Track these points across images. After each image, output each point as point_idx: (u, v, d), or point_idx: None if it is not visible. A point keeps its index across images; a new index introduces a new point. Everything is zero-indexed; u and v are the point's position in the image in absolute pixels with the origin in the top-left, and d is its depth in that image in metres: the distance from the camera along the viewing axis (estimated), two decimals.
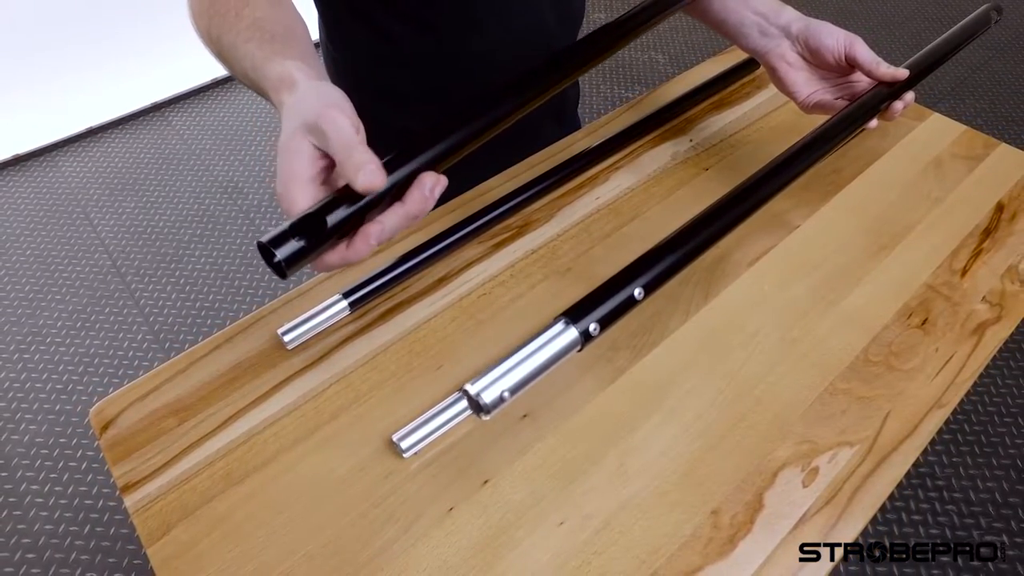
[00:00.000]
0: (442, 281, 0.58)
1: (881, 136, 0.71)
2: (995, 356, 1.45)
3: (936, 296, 0.56)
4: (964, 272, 0.58)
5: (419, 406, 0.49)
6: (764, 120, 0.73)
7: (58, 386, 1.42)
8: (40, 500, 1.25)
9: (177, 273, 1.66)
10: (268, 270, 1.67)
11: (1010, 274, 0.57)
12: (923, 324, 0.54)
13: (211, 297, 1.61)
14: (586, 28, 0.56)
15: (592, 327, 0.42)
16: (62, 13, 1.90)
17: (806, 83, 0.60)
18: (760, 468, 0.46)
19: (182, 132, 2.09)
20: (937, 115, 0.73)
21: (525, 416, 0.49)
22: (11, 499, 1.25)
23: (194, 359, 0.54)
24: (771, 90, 0.77)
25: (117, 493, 1.25)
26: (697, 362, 0.52)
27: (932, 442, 1.28)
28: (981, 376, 1.39)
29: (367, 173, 0.34)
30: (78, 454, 1.31)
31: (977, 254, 0.59)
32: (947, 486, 1.22)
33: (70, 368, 1.45)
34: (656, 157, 0.69)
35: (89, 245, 1.72)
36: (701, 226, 0.48)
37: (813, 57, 0.59)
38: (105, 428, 0.50)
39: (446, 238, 0.59)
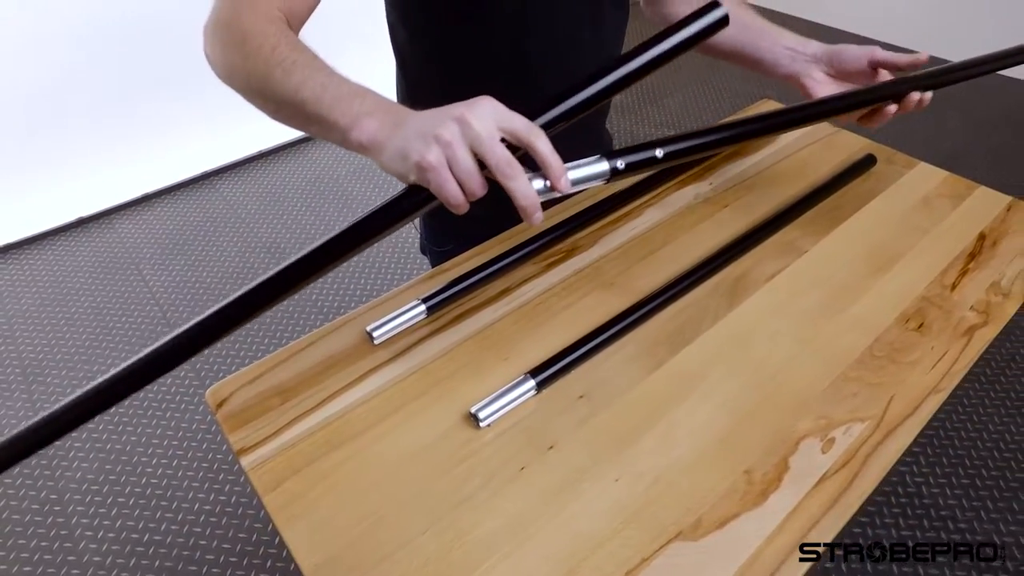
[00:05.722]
0: (504, 292, 0.68)
1: (876, 180, 0.82)
2: (1015, 371, 1.51)
3: (930, 306, 0.65)
4: (954, 287, 0.67)
5: (491, 388, 0.57)
6: (775, 166, 0.84)
7: (109, 426, 1.50)
8: (89, 533, 1.30)
9: None
10: (308, 323, 1.78)
11: (994, 288, 0.66)
12: (919, 328, 0.63)
13: (253, 347, 1.70)
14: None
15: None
16: (123, 91, 2.11)
17: (833, 92, 0.72)
18: (784, 438, 0.54)
19: (228, 197, 2.26)
20: (924, 164, 0.84)
21: (581, 397, 0.57)
22: (63, 531, 1.30)
23: (294, 352, 0.63)
24: (781, 142, 0.89)
25: (163, 527, 1.31)
26: (726, 355, 0.60)
27: (944, 469, 1.32)
28: (998, 392, 1.46)
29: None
30: (126, 490, 1.37)
31: (964, 273, 0.68)
32: (957, 505, 1.26)
33: (120, 410, 1.53)
34: (681, 196, 0.80)
35: (141, 298, 1.84)
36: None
37: (839, 73, 0.73)
38: (220, 405, 0.59)
39: (506, 258, 0.69)
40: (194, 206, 2.22)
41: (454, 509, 0.50)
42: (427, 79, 0.78)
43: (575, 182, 0.52)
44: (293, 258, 0.52)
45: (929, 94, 0.69)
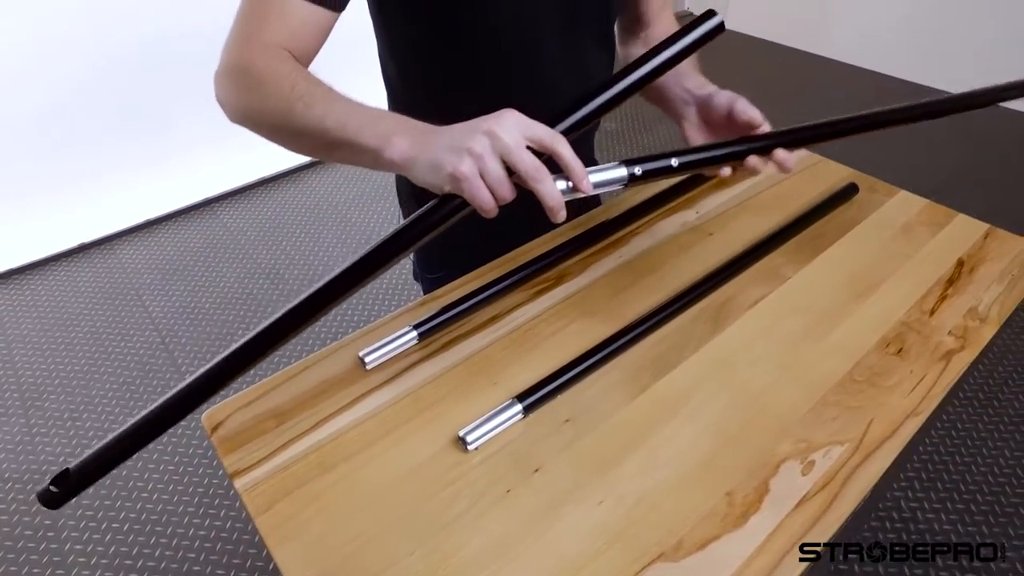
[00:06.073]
0: (494, 319, 0.69)
1: (858, 209, 0.84)
2: (1007, 395, 1.53)
3: (909, 331, 0.67)
4: (932, 312, 0.69)
5: (480, 412, 0.59)
6: (760, 195, 0.87)
7: None
8: (83, 559, 1.30)
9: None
10: (303, 348, 1.79)
11: (971, 314, 0.68)
12: (899, 352, 0.64)
13: (251, 374, 1.71)
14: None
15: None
16: (126, 117, 2.15)
17: (700, 139, 0.71)
18: (765, 461, 0.55)
19: (228, 224, 2.29)
20: (905, 192, 0.86)
21: (567, 421, 0.59)
22: (55, 558, 1.30)
23: (289, 376, 0.64)
24: (761, 175, 0.91)
25: (158, 552, 1.31)
26: (709, 380, 0.62)
27: (938, 495, 1.32)
28: (991, 416, 1.46)
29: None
30: (121, 515, 1.37)
31: (943, 299, 0.70)
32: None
33: None
34: (668, 225, 0.83)
35: (141, 324, 1.86)
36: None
37: (707, 121, 0.70)
38: (215, 428, 0.60)
39: (496, 285, 0.71)
40: (195, 232, 2.25)
41: (441, 530, 0.51)
42: (417, 107, 0.81)
43: (596, 185, 0.56)
44: (341, 268, 0.55)
45: (784, 155, 0.64)
